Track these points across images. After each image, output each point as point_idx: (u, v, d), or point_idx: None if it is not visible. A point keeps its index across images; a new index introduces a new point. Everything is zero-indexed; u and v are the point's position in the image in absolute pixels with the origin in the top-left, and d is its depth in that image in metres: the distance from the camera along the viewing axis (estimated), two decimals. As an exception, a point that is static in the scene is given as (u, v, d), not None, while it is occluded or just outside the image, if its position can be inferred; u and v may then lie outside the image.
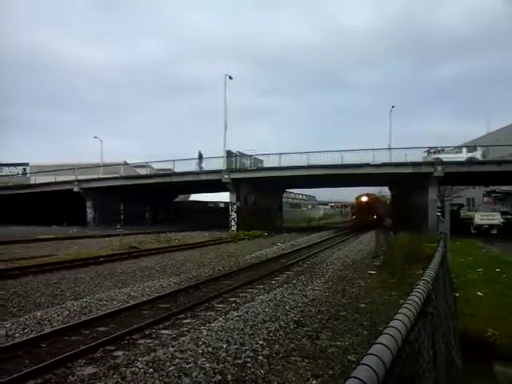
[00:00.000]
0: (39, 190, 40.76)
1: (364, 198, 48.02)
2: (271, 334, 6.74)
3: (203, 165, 37.49)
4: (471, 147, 33.77)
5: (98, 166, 44.41)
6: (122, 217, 41.44)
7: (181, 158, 38.73)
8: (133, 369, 5.14)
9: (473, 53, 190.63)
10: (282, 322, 7.42)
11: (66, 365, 5.45)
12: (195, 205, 57.97)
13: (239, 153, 38.40)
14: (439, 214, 23.20)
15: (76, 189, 39.26)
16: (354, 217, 53.14)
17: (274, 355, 5.84)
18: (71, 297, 9.51)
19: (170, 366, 5.22)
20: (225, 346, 6.03)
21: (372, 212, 46.32)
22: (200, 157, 37.94)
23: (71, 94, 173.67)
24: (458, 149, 34.19)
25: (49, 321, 7.39)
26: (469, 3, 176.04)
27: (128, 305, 8.63)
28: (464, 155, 32.26)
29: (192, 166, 38.07)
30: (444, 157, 32.26)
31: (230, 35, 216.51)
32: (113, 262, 15.29)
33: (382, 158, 32.59)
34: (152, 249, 19.79)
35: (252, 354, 5.79)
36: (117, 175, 41.49)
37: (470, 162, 30.64)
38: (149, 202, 46.96)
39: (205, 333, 6.58)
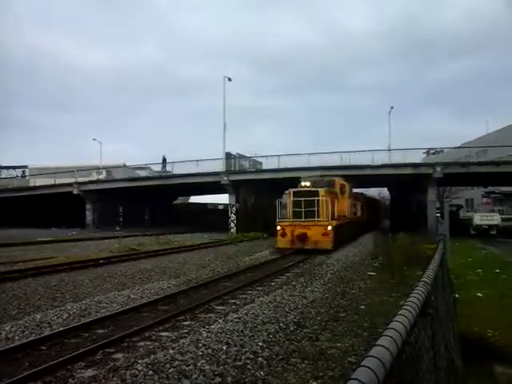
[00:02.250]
0: (38, 193, 40.76)
1: (306, 183, 20.85)
2: (271, 336, 6.73)
3: (166, 169, 39.58)
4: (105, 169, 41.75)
5: (98, 168, 44.47)
6: (121, 219, 41.46)
7: (180, 160, 38.88)
8: (133, 371, 5.14)
9: (472, 54, 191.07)
10: (281, 324, 7.41)
11: (65, 367, 5.44)
12: (195, 207, 58.02)
13: (238, 154, 38.51)
14: (438, 214, 23.27)
15: (75, 191, 39.28)
16: (279, 229, 19.93)
17: (274, 357, 5.83)
18: (71, 299, 9.50)
19: (169, 369, 5.22)
20: (225, 347, 6.02)
21: (325, 217, 19.43)
22: (164, 161, 38.88)
23: (71, 95, 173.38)
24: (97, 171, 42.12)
25: (48, 323, 7.39)
26: (468, 5, 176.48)
27: (128, 307, 8.62)
28: (95, 177, 40.35)
29: (192, 168, 38.13)
30: (83, 179, 40.52)
31: (230, 36, 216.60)
32: (112, 265, 15.28)
33: (382, 159, 32.68)
34: (151, 251, 19.78)
35: (252, 356, 5.78)
36: (116, 177, 41.53)
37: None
38: (148, 203, 46.96)
39: (204, 335, 6.57)
